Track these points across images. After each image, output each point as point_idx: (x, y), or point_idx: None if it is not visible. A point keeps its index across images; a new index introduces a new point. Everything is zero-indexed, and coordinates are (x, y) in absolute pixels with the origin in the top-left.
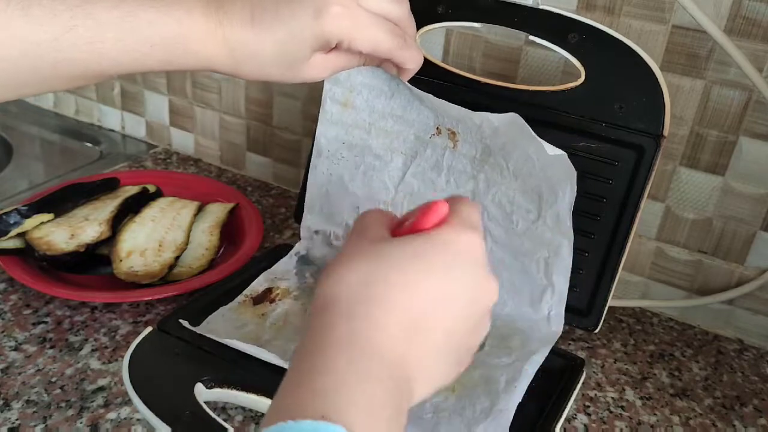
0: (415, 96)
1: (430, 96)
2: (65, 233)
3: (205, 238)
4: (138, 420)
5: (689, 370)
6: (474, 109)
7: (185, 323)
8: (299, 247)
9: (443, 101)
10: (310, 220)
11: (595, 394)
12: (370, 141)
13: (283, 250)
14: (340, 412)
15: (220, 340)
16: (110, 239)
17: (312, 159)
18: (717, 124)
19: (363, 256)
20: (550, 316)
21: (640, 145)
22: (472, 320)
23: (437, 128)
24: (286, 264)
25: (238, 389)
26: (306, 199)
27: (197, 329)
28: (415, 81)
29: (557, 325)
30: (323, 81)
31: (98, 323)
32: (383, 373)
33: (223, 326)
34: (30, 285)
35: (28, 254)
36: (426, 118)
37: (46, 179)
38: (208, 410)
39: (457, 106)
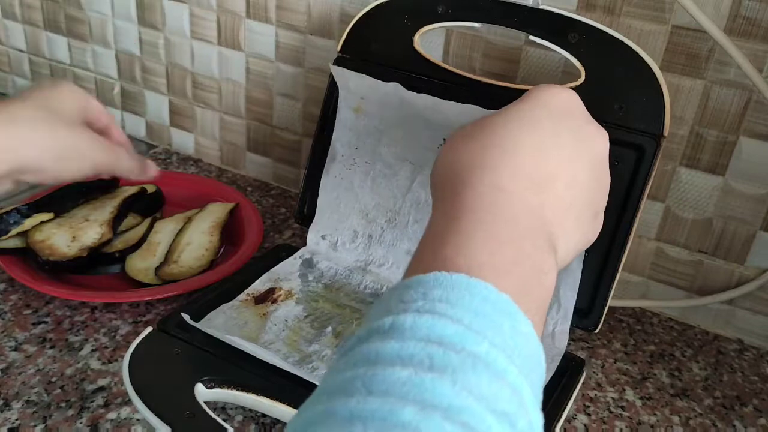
0: (423, 107)
1: (448, 103)
2: (66, 235)
3: (205, 238)
4: (138, 420)
5: (689, 370)
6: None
7: (186, 317)
8: (304, 251)
9: (464, 105)
10: (319, 224)
11: (595, 394)
12: (381, 149)
13: (283, 250)
14: (482, 271)
15: (220, 337)
16: (111, 240)
17: (326, 163)
18: (717, 124)
19: (473, 129)
20: (554, 332)
21: (640, 145)
22: (588, 170)
23: (444, 140)
24: (290, 266)
25: (238, 389)
26: (318, 203)
27: (198, 325)
28: (416, 81)
29: (561, 342)
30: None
31: (98, 323)
32: (519, 234)
33: (224, 323)
34: (30, 285)
35: (29, 257)
36: (433, 129)
37: None
38: (208, 410)
39: (478, 107)
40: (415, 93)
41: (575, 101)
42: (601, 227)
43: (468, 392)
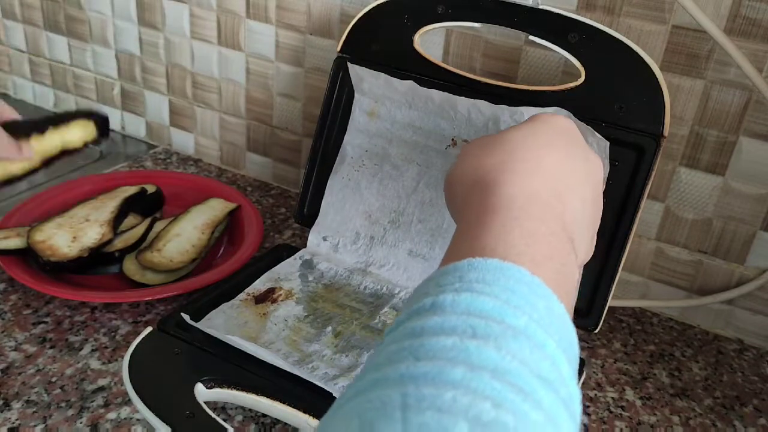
0: (435, 106)
1: (460, 98)
2: (67, 235)
3: (195, 234)
4: (138, 420)
5: (689, 370)
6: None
7: (186, 317)
8: (304, 252)
9: (476, 101)
10: (321, 225)
11: (595, 394)
12: (390, 150)
13: (283, 249)
14: (519, 259)
15: (220, 336)
16: (111, 240)
17: (335, 165)
18: (717, 124)
19: (491, 141)
20: None
21: (640, 145)
22: (593, 192)
23: (453, 140)
24: (290, 266)
25: (238, 389)
26: (322, 204)
27: (198, 324)
28: (416, 81)
29: None
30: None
31: (98, 323)
32: (549, 232)
33: (224, 323)
34: (30, 285)
35: (30, 258)
36: (442, 130)
37: (45, 179)
38: (208, 410)
39: (487, 103)
40: (427, 89)
41: (576, 128)
42: (592, 251)
43: (512, 357)
